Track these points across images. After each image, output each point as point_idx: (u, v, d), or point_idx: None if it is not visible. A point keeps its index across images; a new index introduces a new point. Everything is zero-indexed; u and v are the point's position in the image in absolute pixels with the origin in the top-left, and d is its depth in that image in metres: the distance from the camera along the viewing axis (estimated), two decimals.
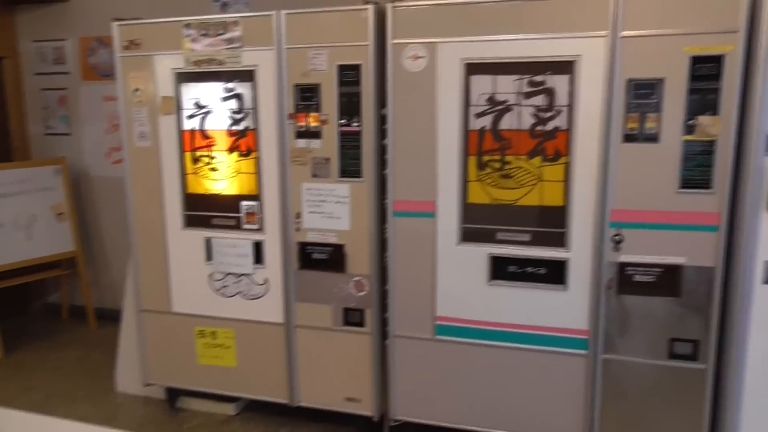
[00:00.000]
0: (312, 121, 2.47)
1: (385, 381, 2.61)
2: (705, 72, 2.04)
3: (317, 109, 2.46)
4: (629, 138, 2.15)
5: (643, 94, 2.11)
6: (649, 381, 2.28)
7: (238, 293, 2.73)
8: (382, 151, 2.45)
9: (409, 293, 2.50)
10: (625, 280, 2.24)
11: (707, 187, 2.10)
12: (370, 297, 2.54)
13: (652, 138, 2.13)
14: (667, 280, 2.19)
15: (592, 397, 2.34)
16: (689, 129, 2.08)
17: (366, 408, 2.64)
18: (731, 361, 2.17)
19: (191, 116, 2.64)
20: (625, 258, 2.23)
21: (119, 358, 3.23)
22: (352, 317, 2.59)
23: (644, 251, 2.20)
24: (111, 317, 4.17)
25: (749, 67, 2.01)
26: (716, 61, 2.02)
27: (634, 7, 2.07)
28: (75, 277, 4.22)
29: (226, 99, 2.58)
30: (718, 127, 2.05)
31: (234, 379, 2.82)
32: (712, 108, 2.05)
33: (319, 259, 2.58)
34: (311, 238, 2.57)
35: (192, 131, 2.66)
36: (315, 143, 2.49)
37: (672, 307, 2.21)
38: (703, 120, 2.06)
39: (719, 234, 2.12)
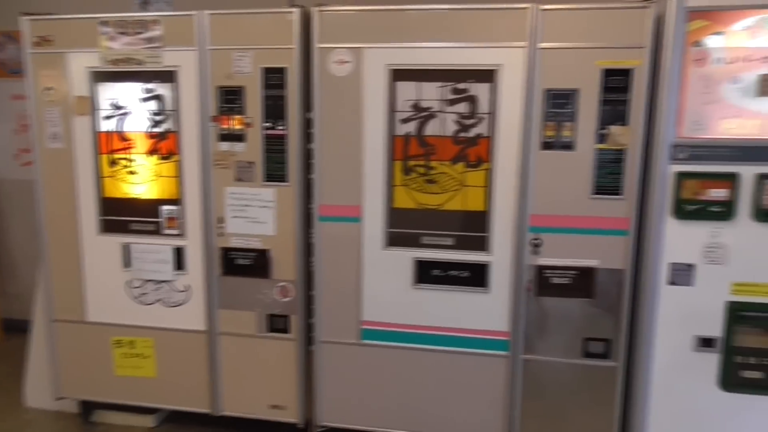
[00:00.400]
0: (236, 123, 2.42)
1: (310, 387, 2.58)
2: (615, 84, 2.15)
3: (241, 111, 2.42)
4: (547, 145, 2.24)
5: (560, 103, 2.20)
6: (565, 379, 2.37)
7: (158, 301, 2.63)
8: (308, 155, 2.43)
9: (334, 298, 2.49)
10: (543, 283, 2.32)
11: (618, 194, 2.21)
12: (295, 303, 2.52)
13: (568, 146, 2.22)
14: (582, 282, 2.29)
15: (512, 396, 2.41)
16: (601, 138, 2.19)
17: (291, 415, 2.61)
18: (639, 359, 2.29)
19: (108, 117, 2.53)
20: (543, 261, 2.31)
21: (28, 371, 3.04)
22: (276, 323, 2.55)
23: (560, 254, 2.29)
24: (19, 328, 3.92)
25: (655, 81, 2.13)
26: (625, 74, 2.14)
27: (550, 20, 2.16)
28: None
29: (145, 100, 2.49)
30: (628, 137, 2.17)
31: (153, 390, 2.71)
32: (622, 118, 2.17)
33: (242, 264, 2.52)
34: (235, 243, 2.52)
35: (109, 133, 2.55)
36: (239, 146, 2.44)
37: (586, 308, 2.31)
38: (614, 130, 2.17)
39: (629, 238, 2.23)
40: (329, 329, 2.52)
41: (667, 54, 2.08)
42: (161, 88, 2.47)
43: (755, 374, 2.23)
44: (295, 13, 2.31)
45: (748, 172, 2.10)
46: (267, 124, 2.41)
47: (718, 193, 2.13)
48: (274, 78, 2.37)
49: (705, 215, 2.15)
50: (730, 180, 2.11)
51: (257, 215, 2.48)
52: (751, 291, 2.18)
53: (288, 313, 2.53)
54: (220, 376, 2.63)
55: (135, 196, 2.57)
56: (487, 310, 2.38)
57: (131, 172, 2.56)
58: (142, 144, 2.53)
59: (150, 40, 2.41)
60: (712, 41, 2.06)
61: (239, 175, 2.47)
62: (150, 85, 2.47)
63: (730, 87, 2.07)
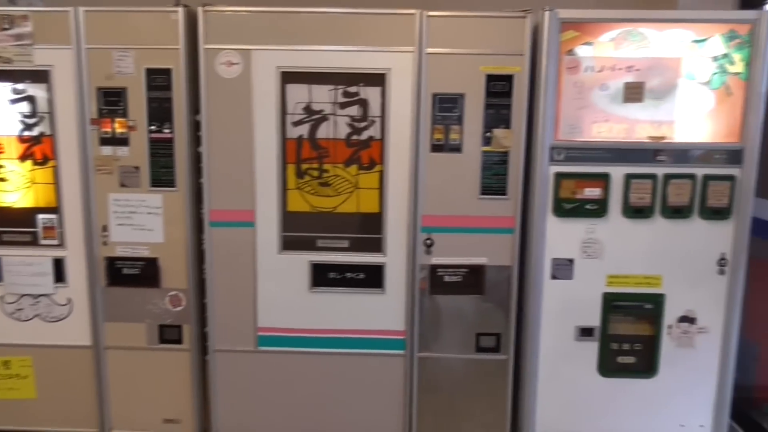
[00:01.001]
0: (118, 126, 2.31)
1: (206, 398, 2.51)
2: (498, 89, 2.25)
3: (124, 114, 2.30)
4: (436, 148, 2.30)
5: (447, 107, 2.27)
6: (459, 374, 2.45)
7: (36, 316, 2.45)
8: (197, 159, 2.36)
9: (229, 305, 2.43)
10: (436, 281, 2.39)
11: (503, 194, 2.32)
12: (187, 312, 2.43)
13: (456, 148, 2.30)
14: (472, 279, 2.38)
15: (410, 394, 2.46)
16: (487, 141, 2.28)
17: (186, 428, 2.52)
18: (527, 350, 2.41)
19: None
20: (435, 260, 2.37)
21: None
22: (168, 334, 2.45)
23: (452, 253, 2.37)
24: None
25: (534, 87, 2.25)
26: (507, 80, 2.24)
27: (436, 26, 2.22)
28: None
29: (15, 101, 2.31)
30: (510, 140, 2.27)
31: (33, 413, 2.52)
32: (505, 122, 2.27)
33: (130, 274, 2.41)
34: (120, 252, 2.39)
35: None
36: (122, 150, 2.33)
37: (477, 304, 2.40)
38: (498, 133, 2.27)
39: (514, 236, 2.34)
40: (224, 337, 2.46)
41: (543, 61, 2.20)
42: (33, 89, 2.30)
43: (628, 359, 2.41)
44: (180, 12, 2.23)
45: (617, 172, 2.26)
46: (152, 127, 2.31)
47: (593, 192, 2.28)
48: (159, 79, 2.28)
49: (582, 213, 2.30)
50: (602, 180, 2.27)
51: (144, 222, 2.37)
52: (623, 282, 2.35)
53: (180, 322, 2.44)
54: (108, 392, 2.49)
55: (7, 205, 2.38)
56: (383, 311, 2.42)
57: (2, 179, 2.36)
58: (12, 149, 2.35)
59: (19, 36, 2.24)
60: (582, 51, 2.20)
61: (124, 181, 2.35)
62: (20, 86, 2.30)
63: (600, 93, 2.23)
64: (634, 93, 2.22)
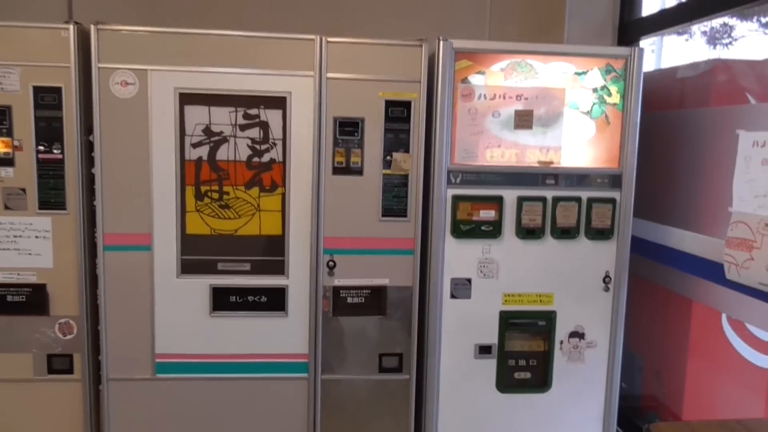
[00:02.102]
0: (2, 146, 2.19)
1: (100, 430, 2.39)
2: (397, 114, 2.31)
3: (9, 133, 2.19)
4: (338, 171, 2.33)
5: (348, 131, 2.31)
6: (363, 395, 2.47)
7: None
8: (90, 181, 2.27)
9: (125, 332, 2.34)
10: (339, 303, 2.40)
11: (404, 216, 2.37)
12: (79, 340, 2.32)
13: (358, 171, 2.34)
14: (374, 300, 2.41)
15: (313, 417, 2.45)
16: (387, 164, 2.34)
17: None
18: (429, 369, 2.46)
19: None
20: (338, 282, 2.39)
21: None
22: (58, 364, 2.33)
23: (354, 275, 2.39)
24: None
25: (431, 112, 2.33)
26: (405, 105, 2.31)
27: (336, 52, 2.27)
28: None
29: None
30: (409, 163, 2.34)
31: None
32: (404, 146, 2.33)
33: (14, 302, 2.27)
34: (4, 278, 2.26)
35: None
36: (7, 171, 2.21)
37: (380, 325, 2.44)
38: (397, 156, 2.33)
39: (415, 257, 2.40)
40: (120, 365, 2.36)
41: (439, 89, 2.29)
42: None
43: (524, 375, 2.51)
44: (71, 30, 2.16)
45: (510, 195, 2.37)
46: (41, 148, 2.21)
47: (487, 214, 2.38)
48: (48, 98, 2.19)
49: (478, 234, 2.39)
50: (496, 202, 2.37)
51: (31, 247, 2.26)
52: (517, 300, 2.45)
53: (71, 351, 2.33)
54: None
55: None
56: (285, 334, 2.40)
57: None
58: None
59: None
60: (475, 79, 2.31)
61: (8, 203, 2.23)
62: None
63: (492, 120, 2.34)
64: (523, 120, 2.34)
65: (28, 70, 2.17)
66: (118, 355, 2.35)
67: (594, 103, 2.35)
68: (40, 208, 2.24)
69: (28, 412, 2.35)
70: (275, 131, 2.30)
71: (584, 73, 2.33)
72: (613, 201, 2.40)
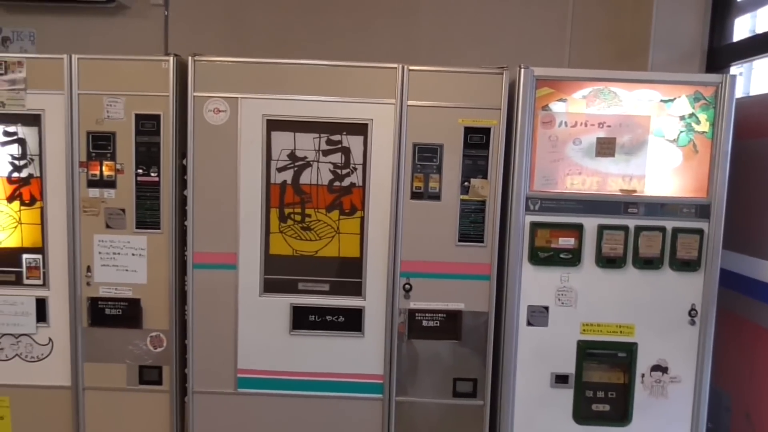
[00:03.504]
0: (106, 169, 2.36)
1: None
2: (476, 141, 2.33)
3: (113, 157, 2.36)
4: (416, 196, 2.37)
5: (427, 157, 2.35)
6: (436, 419, 2.47)
7: (16, 356, 2.46)
8: (182, 202, 2.41)
9: (210, 347, 2.45)
10: (415, 326, 2.43)
11: (480, 241, 2.38)
12: (168, 353, 2.45)
13: (435, 196, 2.37)
14: (449, 324, 2.42)
15: None
16: (465, 189, 2.35)
17: None
18: (503, 396, 2.44)
19: None
20: (414, 305, 2.42)
21: None
22: (148, 375, 2.47)
23: (430, 299, 2.41)
24: None
25: (510, 139, 2.34)
26: (485, 132, 2.33)
27: (417, 80, 2.32)
28: None
29: (5, 144, 2.37)
30: (487, 189, 2.35)
31: None
32: (482, 172, 2.35)
33: (112, 314, 2.43)
34: (103, 292, 2.42)
35: None
36: (109, 193, 2.38)
37: (454, 349, 2.44)
38: (475, 182, 2.35)
39: (491, 282, 2.40)
40: (205, 379, 2.47)
41: (519, 116, 2.29)
42: (24, 132, 2.36)
43: (603, 407, 2.44)
44: (171, 61, 2.32)
45: (590, 223, 2.34)
46: (140, 171, 2.37)
47: (567, 242, 2.35)
48: (148, 124, 2.35)
49: (556, 261, 2.36)
50: (576, 230, 2.34)
51: (128, 263, 2.41)
52: (596, 330, 2.40)
53: (161, 363, 2.46)
54: None
55: None
56: (361, 354, 2.45)
57: None
58: (1, 189, 2.39)
59: (12, 81, 2.31)
60: (556, 107, 2.30)
61: (109, 222, 2.39)
62: (11, 128, 2.36)
63: (573, 147, 2.31)
64: (605, 148, 2.31)
65: (131, 99, 2.34)
66: (203, 368, 2.46)
67: (681, 131, 2.29)
68: (137, 228, 2.39)
69: (120, 420, 2.49)
70: (356, 156, 2.37)
71: (671, 100, 2.28)
72: (700, 231, 2.31)
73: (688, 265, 2.34)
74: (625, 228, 2.33)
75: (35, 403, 2.48)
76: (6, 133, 2.36)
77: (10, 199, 2.39)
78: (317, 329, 2.44)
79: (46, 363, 2.46)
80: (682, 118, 2.28)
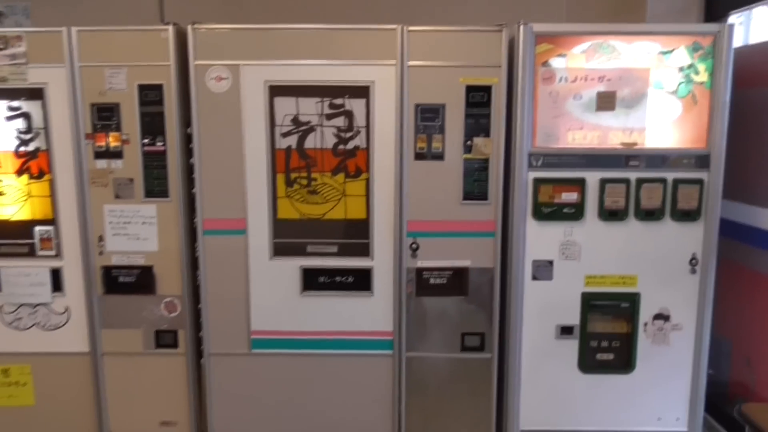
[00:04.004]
0: (112, 140, 2.39)
1: (201, 401, 2.59)
2: (477, 100, 2.35)
3: (118, 128, 2.39)
4: (419, 156, 2.40)
5: (429, 117, 2.37)
6: (446, 373, 2.55)
7: (34, 325, 2.53)
8: (189, 170, 2.44)
9: (223, 310, 2.51)
10: (422, 284, 2.48)
11: (484, 199, 2.42)
12: (182, 317, 2.52)
13: (439, 156, 2.40)
14: (456, 281, 2.47)
15: (398, 393, 2.55)
16: (468, 149, 2.38)
17: (183, 430, 2.60)
18: (510, 349, 2.51)
19: None
20: (421, 264, 2.47)
21: None
22: (164, 339, 2.54)
23: (436, 257, 2.47)
24: None
25: (511, 97, 2.35)
26: (486, 90, 2.34)
27: (417, 40, 2.32)
28: None
29: (11, 118, 2.39)
30: (490, 147, 2.38)
31: (32, 419, 2.60)
32: (484, 131, 2.37)
33: (125, 282, 2.49)
34: (116, 261, 2.48)
35: None
36: (116, 163, 2.41)
37: (462, 305, 2.50)
38: (478, 141, 2.37)
39: (496, 239, 2.45)
40: (219, 341, 2.54)
41: (519, 73, 2.30)
42: (28, 106, 2.38)
43: (607, 356, 2.51)
44: (170, 30, 2.32)
45: (592, 177, 2.37)
46: (145, 141, 2.39)
47: (570, 196, 2.39)
48: (151, 94, 2.36)
49: (560, 216, 2.40)
50: (578, 185, 2.38)
51: (139, 232, 2.46)
52: (600, 282, 2.46)
53: (176, 327, 2.53)
54: (105, 397, 2.57)
55: (4, 218, 2.45)
56: (371, 313, 2.51)
57: None
58: (9, 163, 2.42)
59: (13, 56, 2.32)
60: (556, 62, 2.31)
61: (118, 192, 2.43)
62: (15, 103, 2.37)
63: (574, 102, 2.33)
64: (606, 102, 2.32)
65: (133, 69, 2.35)
66: (218, 331, 2.53)
67: (680, 83, 2.30)
68: (146, 197, 2.43)
69: (138, 383, 2.58)
70: (359, 119, 2.39)
71: (670, 52, 2.29)
72: (700, 182, 2.35)
73: (688, 216, 2.38)
74: (627, 181, 2.36)
75: (56, 370, 2.56)
76: (10, 108, 2.38)
77: (19, 172, 2.42)
78: (327, 290, 2.50)
79: (64, 331, 2.53)
80: (681, 69, 2.29)
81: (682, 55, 2.28)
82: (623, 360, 2.51)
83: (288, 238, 2.48)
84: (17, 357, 2.55)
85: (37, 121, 2.39)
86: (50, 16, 3.14)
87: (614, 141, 2.36)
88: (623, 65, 2.30)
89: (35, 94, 2.36)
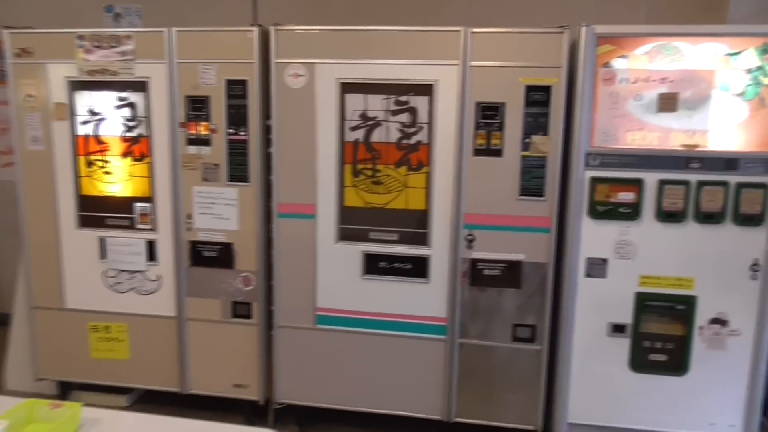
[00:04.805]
0: (202, 129, 2.68)
1: (270, 368, 2.85)
2: (537, 99, 2.43)
3: (207, 118, 2.67)
4: (478, 152, 2.51)
5: (489, 115, 2.48)
6: (496, 361, 2.66)
7: (131, 289, 2.88)
8: (267, 158, 2.69)
9: (292, 287, 2.75)
10: (476, 274, 2.60)
11: (541, 196, 2.50)
12: (256, 291, 2.78)
13: (497, 153, 2.50)
14: (510, 273, 2.57)
15: (450, 376, 2.69)
16: (526, 146, 2.47)
17: (253, 393, 2.87)
18: (561, 343, 2.58)
19: (85, 122, 2.78)
20: (476, 255, 2.59)
21: (9, 356, 3.27)
22: (239, 310, 2.81)
23: (491, 249, 2.57)
24: None
25: (571, 96, 2.41)
26: (545, 90, 2.42)
27: (480, 41, 2.43)
28: None
29: (119, 107, 2.74)
30: (548, 146, 2.45)
31: (127, 371, 2.97)
32: (543, 129, 2.45)
33: (209, 256, 2.78)
34: (202, 237, 2.77)
35: (86, 137, 2.79)
36: (205, 150, 2.70)
37: (514, 297, 2.60)
38: (536, 139, 2.45)
39: (551, 235, 2.52)
40: (287, 315, 2.78)
41: (580, 73, 2.36)
42: (134, 97, 2.72)
43: (660, 357, 2.52)
44: (255, 31, 2.57)
45: (651, 178, 2.39)
46: (230, 130, 2.67)
47: (626, 196, 2.42)
48: (236, 89, 2.63)
49: (615, 215, 2.44)
50: (635, 185, 2.40)
51: (222, 212, 2.74)
52: (655, 283, 2.47)
53: (250, 300, 2.80)
54: (188, 358, 2.89)
55: (110, 194, 2.82)
56: (427, 299, 2.66)
57: (107, 173, 2.80)
58: (116, 147, 2.78)
59: (123, 53, 2.66)
60: (618, 63, 2.34)
61: (206, 176, 2.72)
62: (123, 94, 2.72)
63: (634, 103, 2.36)
64: (668, 103, 2.33)
65: (222, 66, 2.62)
66: (287, 306, 2.77)
67: (748, 85, 2.27)
68: (229, 180, 2.71)
69: (216, 347, 2.87)
70: (422, 116, 2.54)
71: (737, 53, 2.26)
72: (765, 186, 2.31)
73: (751, 220, 2.34)
74: (686, 183, 2.36)
75: (147, 330, 2.91)
76: (119, 98, 2.73)
77: (125, 155, 2.78)
78: (386, 275, 2.67)
79: (155, 296, 2.86)
80: (749, 71, 2.26)
81: (750, 57, 2.25)
82: (677, 362, 2.50)
83: (352, 224, 2.67)
84: (116, 316, 2.92)
85: (141, 110, 2.72)
86: (159, 16, 3.52)
87: (675, 143, 2.37)
88: (687, 67, 2.30)
89: (140, 86, 2.70)
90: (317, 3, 3.39)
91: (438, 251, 2.62)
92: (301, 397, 2.84)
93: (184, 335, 2.87)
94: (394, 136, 2.58)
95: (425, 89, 2.51)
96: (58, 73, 2.74)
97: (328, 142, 2.61)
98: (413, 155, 2.58)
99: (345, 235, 2.68)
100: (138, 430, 1.50)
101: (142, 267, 2.84)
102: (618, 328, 2.53)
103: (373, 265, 2.68)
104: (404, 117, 2.55)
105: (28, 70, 2.77)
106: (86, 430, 1.48)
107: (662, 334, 2.51)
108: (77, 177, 2.82)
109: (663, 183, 2.38)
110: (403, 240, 2.65)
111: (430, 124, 2.53)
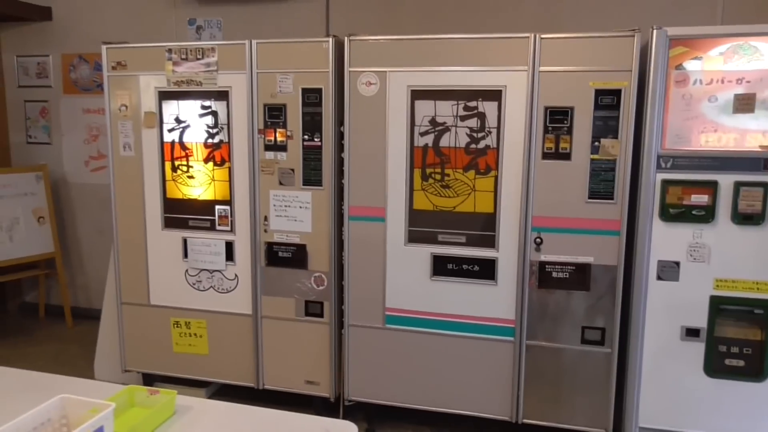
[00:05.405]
0: (279, 136, 2.82)
1: (340, 366, 2.95)
2: (606, 102, 2.45)
3: (284, 125, 2.81)
4: (547, 156, 2.55)
5: (558, 119, 2.51)
6: (565, 363, 2.67)
7: (211, 287, 3.05)
8: (340, 163, 2.81)
9: (362, 287, 2.85)
10: (545, 277, 2.63)
11: (610, 198, 2.51)
12: (328, 291, 2.89)
13: (566, 156, 2.53)
14: (579, 276, 2.59)
15: (517, 378, 2.72)
16: (595, 149, 2.49)
17: (324, 390, 2.98)
18: (632, 346, 2.57)
19: (171, 130, 2.97)
20: (544, 257, 2.62)
21: (98, 348, 3.51)
22: (312, 309, 2.93)
23: (560, 252, 2.60)
24: (85, 315, 4.46)
25: (642, 99, 2.42)
26: (615, 94, 2.43)
27: (549, 47, 2.48)
28: (51, 278, 4.48)
29: (202, 115, 2.92)
30: (618, 149, 2.46)
31: (205, 366, 3.13)
32: (613, 132, 2.46)
33: (283, 257, 2.92)
34: (277, 238, 2.91)
35: (172, 143, 2.99)
36: (281, 155, 2.84)
37: (583, 300, 2.61)
38: (606, 142, 2.47)
39: (620, 238, 2.52)
40: (358, 315, 2.88)
41: (652, 76, 2.37)
42: (216, 105, 2.89)
43: (737, 362, 2.48)
44: (330, 42, 2.70)
45: (726, 180, 2.36)
46: (305, 137, 2.80)
47: (700, 198, 2.40)
48: (312, 97, 2.76)
49: (688, 218, 2.42)
50: (710, 187, 2.38)
51: (296, 215, 2.87)
52: (731, 286, 2.43)
53: (322, 300, 2.91)
54: (262, 354, 3.03)
55: (193, 197, 3.00)
56: (495, 300, 2.70)
57: (190, 177, 2.99)
58: (199, 153, 2.96)
59: (208, 64, 2.84)
60: (691, 65, 2.34)
61: (281, 180, 2.86)
62: (206, 103, 2.90)
63: (708, 105, 2.34)
64: (744, 104, 2.31)
65: (298, 75, 2.76)
66: (357, 306, 2.87)
67: None
68: (303, 185, 2.83)
69: (289, 344, 2.99)
70: (491, 120, 2.60)
71: None
72: None
73: None
74: (764, 185, 2.32)
75: (225, 326, 3.06)
76: (203, 107, 2.90)
77: (206, 160, 2.95)
78: (455, 276, 2.73)
79: (233, 294, 3.02)
80: None
81: None
82: (755, 367, 2.45)
83: (421, 227, 2.75)
84: (197, 313, 3.09)
85: (222, 117, 2.89)
86: (237, 28, 3.72)
87: (752, 144, 2.34)
88: (766, 67, 2.27)
89: (222, 95, 2.87)
90: (387, 12, 3.50)
91: (506, 254, 2.66)
92: (370, 394, 2.92)
93: (259, 332, 3.01)
94: (463, 140, 2.64)
95: (494, 95, 2.57)
96: (149, 84, 2.95)
97: (398, 147, 2.71)
98: (481, 159, 2.64)
99: (414, 238, 2.76)
100: (226, 418, 1.60)
101: (221, 266, 3.00)
102: (692, 332, 2.50)
103: (442, 267, 2.74)
104: (473, 122, 2.62)
105: (123, 82, 2.99)
106: (180, 415, 1.59)
107: (739, 339, 2.47)
108: (163, 181, 3.02)
109: (739, 185, 2.35)
110: (471, 242, 2.70)
111: (498, 128, 2.59)
